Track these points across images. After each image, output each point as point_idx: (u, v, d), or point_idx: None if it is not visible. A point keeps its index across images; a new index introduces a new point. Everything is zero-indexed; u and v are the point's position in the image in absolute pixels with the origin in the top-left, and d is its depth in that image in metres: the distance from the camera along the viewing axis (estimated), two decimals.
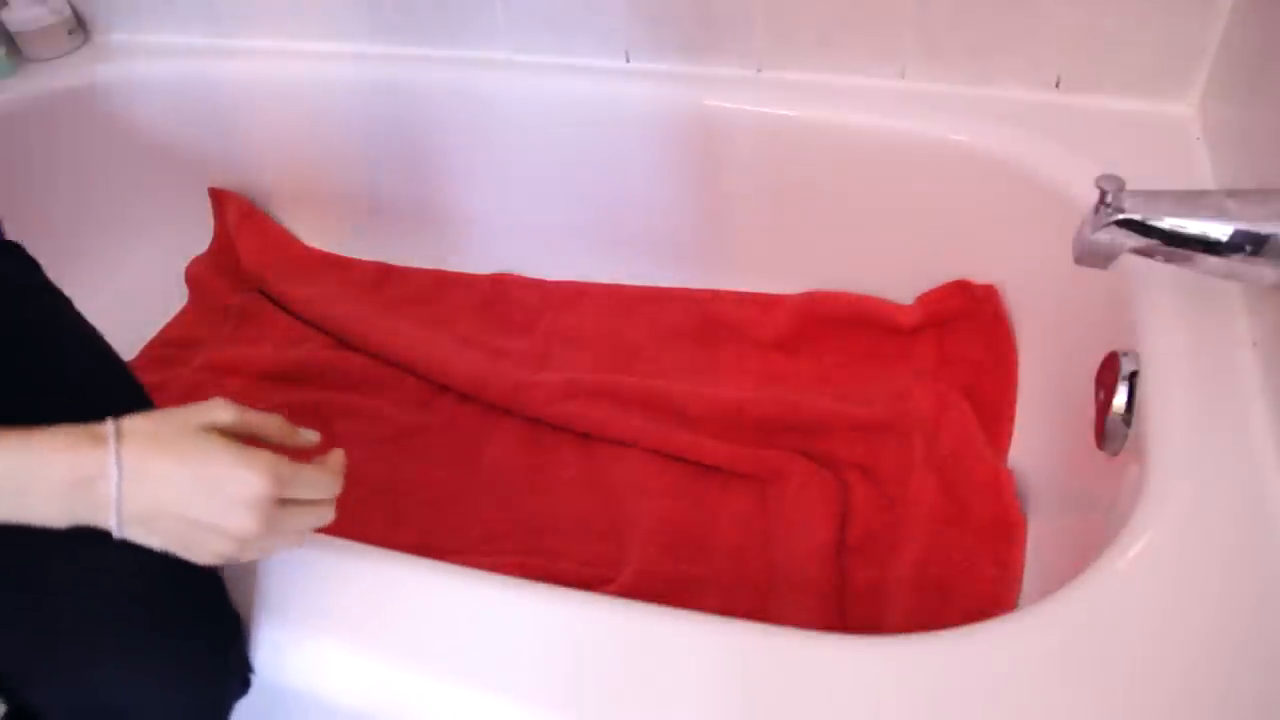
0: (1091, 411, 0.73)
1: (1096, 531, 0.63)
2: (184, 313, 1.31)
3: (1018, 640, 0.52)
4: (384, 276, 1.30)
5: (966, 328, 1.01)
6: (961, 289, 1.02)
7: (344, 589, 0.60)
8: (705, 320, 1.13)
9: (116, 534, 0.48)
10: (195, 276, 1.33)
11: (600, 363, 1.10)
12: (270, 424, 0.53)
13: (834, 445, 0.95)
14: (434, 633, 0.57)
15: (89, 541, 0.52)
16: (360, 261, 1.33)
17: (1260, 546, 0.55)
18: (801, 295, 1.10)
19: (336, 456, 0.56)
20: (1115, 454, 0.69)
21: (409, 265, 1.30)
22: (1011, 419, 0.94)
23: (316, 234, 1.36)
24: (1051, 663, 0.51)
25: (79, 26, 1.32)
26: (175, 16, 1.28)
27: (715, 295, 1.15)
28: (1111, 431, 0.68)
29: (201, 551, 0.49)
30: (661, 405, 1.01)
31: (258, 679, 0.59)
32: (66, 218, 1.32)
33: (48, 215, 1.30)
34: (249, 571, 0.60)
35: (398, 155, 1.24)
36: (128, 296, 1.30)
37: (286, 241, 1.35)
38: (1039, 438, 0.90)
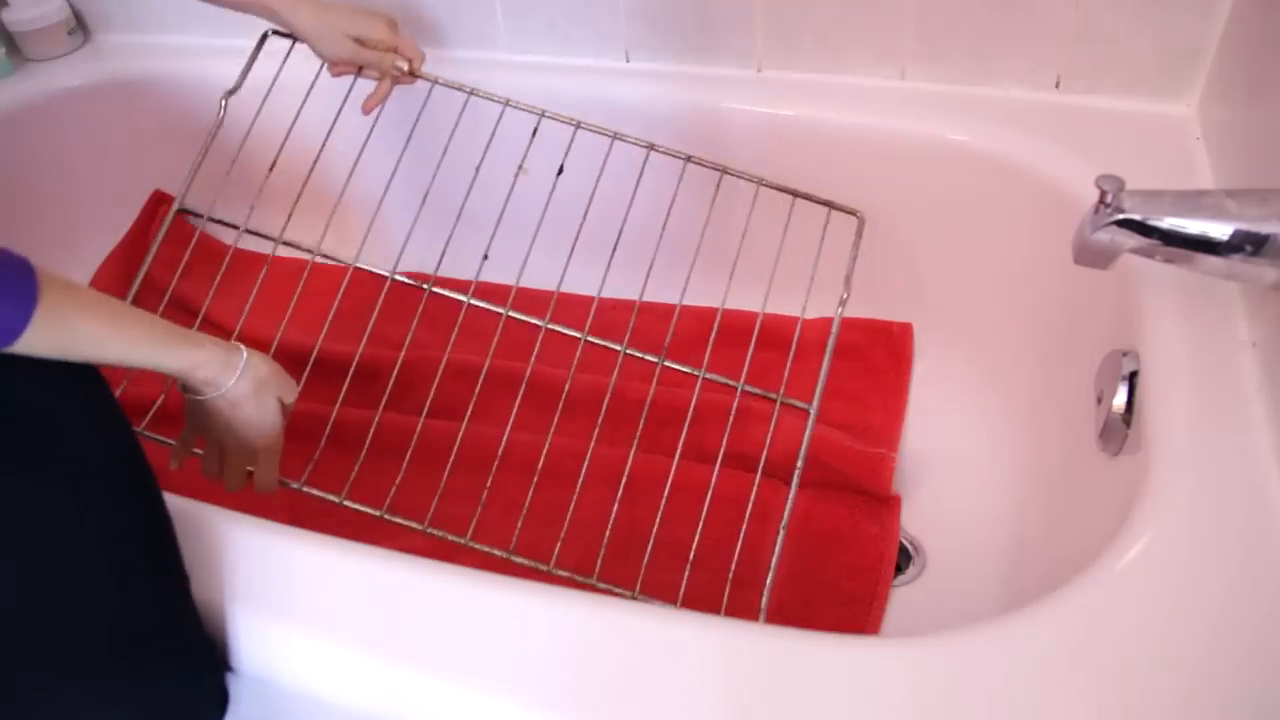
0: (1092, 411, 0.74)
1: (1096, 531, 0.63)
2: None
3: (1018, 640, 0.52)
4: (297, 271, 1.31)
5: (859, 365, 1.05)
6: (870, 326, 1.07)
7: (344, 587, 0.60)
8: (601, 324, 1.15)
9: (230, 388, 0.66)
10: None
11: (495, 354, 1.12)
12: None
13: (709, 429, 1.00)
14: (432, 632, 0.57)
15: (59, 575, 0.52)
16: (275, 259, 1.33)
17: (1260, 546, 0.55)
18: (702, 309, 1.13)
19: None
20: (1115, 454, 0.69)
21: (405, 269, 1.30)
22: (894, 446, 0.98)
23: (314, 235, 1.36)
24: (1051, 663, 0.51)
25: (79, 26, 1.32)
26: (175, 16, 1.28)
27: (615, 304, 1.17)
28: (1111, 431, 0.68)
29: (273, 415, 0.71)
30: (546, 389, 1.07)
31: (246, 677, 0.59)
32: (66, 218, 1.32)
33: (47, 215, 1.30)
34: (214, 569, 0.61)
35: (395, 156, 1.24)
36: None
37: (205, 244, 1.34)
38: (1039, 437, 0.90)
